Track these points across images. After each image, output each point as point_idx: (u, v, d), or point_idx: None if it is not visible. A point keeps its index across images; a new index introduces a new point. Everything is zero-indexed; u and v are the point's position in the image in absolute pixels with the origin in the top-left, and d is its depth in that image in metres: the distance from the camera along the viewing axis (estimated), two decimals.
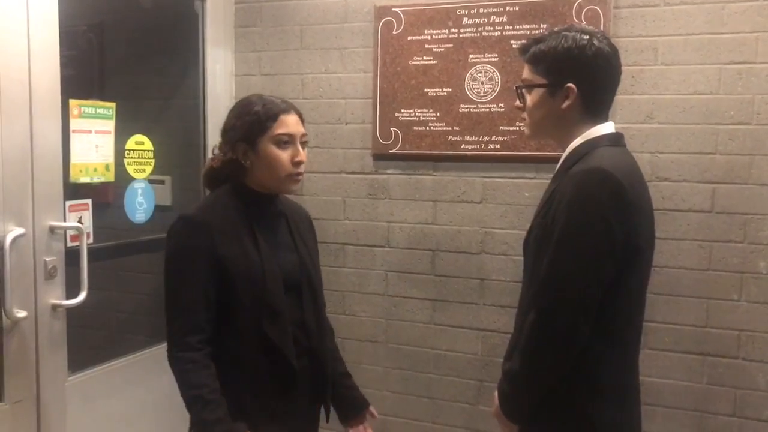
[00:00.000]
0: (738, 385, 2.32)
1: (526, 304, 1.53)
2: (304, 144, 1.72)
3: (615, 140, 1.55)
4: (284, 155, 1.67)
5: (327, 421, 1.87)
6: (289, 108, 1.71)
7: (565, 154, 1.57)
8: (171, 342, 1.62)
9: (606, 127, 1.55)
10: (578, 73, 1.51)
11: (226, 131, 1.73)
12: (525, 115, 1.62)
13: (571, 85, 1.51)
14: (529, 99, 1.59)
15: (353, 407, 1.94)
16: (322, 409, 1.86)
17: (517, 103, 1.64)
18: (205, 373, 1.59)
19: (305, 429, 1.82)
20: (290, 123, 1.69)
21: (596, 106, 1.54)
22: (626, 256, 1.44)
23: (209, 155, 1.89)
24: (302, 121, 1.74)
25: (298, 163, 1.69)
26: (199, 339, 1.60)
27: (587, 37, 1.51)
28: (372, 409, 1.97)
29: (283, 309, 1.67)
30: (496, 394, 1.62)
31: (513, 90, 2.45)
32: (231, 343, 1.65)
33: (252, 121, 1.67)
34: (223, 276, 1.62)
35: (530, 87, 1.58)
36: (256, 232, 1.69)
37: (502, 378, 1.58)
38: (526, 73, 1.59)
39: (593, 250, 1.41)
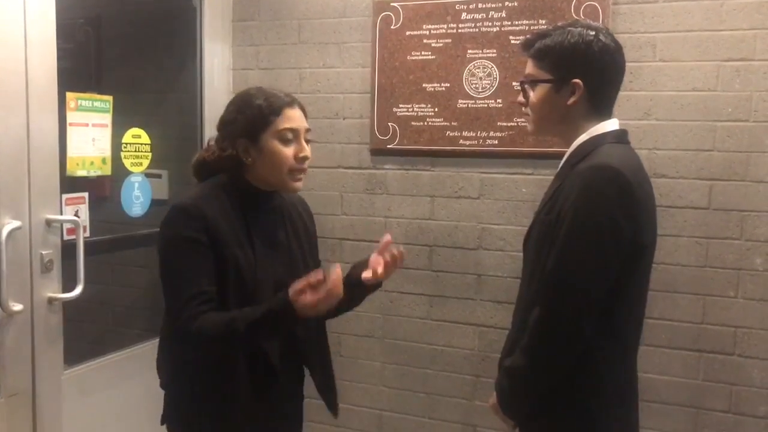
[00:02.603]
0: (733, 382, 2.33)
1: (529, 301, 1.52)
2: (308, 140, 1.64)
3: (620, 137, 1.54)
4: (288, 151, 1.59)
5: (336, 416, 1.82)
6: (293, 102, 1.63)
7: (569, 151, 1.55)
8: (175, 317, 1.51)
9: (611, 124, 1.54)
10: (585, 69, 1.50)
11: (226, 125, 1.64)
12: (528, 110, 1.60)
13: (577, 80, 1.50)
14: (533, 95, 1.56)
15: (355, 269, 1.72)
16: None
17: (520, 98, 1.61)
18: (217, 314, 1.49)
19: (285, 430, 1.77)
20: (295, 117, 1.61)
21: (601, 102, 1.53)
22: (632, 255, 1.43)
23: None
24: (305, 115, 1.66)
25: (302, 159, 1.61)
26: (204, 307, 1.50)
27: (593, 32, 1.50)
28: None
29: None
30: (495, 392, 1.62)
31: (511, 86, 2.47)
32: None
33: (254, 116, 1.58)
34: (215, 270, 1.54)
35: (535, 82, 1.55)
36: (251, 230, 1.61)
37: (502, 375, 1.57)
38: (530, 68, 1.57)
39: (600, 248, 1.40)
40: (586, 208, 1.41)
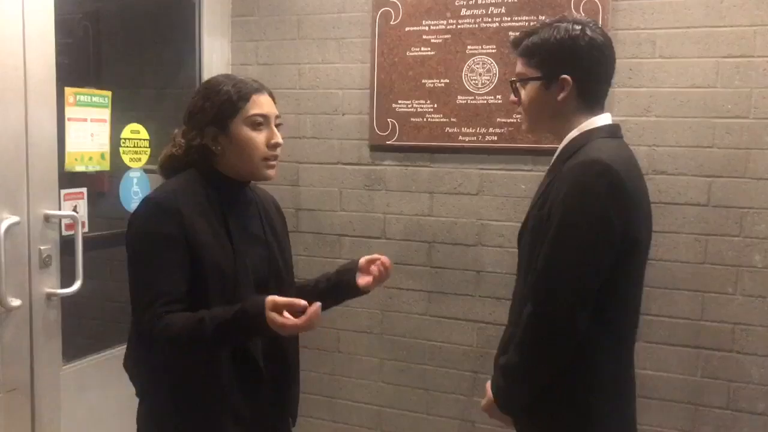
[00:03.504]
0: (732, 378, 2.33)
1: (523, 297, 1.52)
2: (278, 126, 1.60)
3: (612, 132, 1.54)
4: (259, 137, 1.55)
5: (293, 425, 1.76)
6: (261, 87, 1.58)
7: (561, 146, 1.56)
8: (139, 315, 1.46)
9: (603, 119, 1.54)
10: (572, 64, 1.50)
11: (193, 115, 1.57)
12: (521, 109, 1.61)
13: (565, 76, 1.50)
14: (524, 93, 1.57)
15: (347, 272, 1.76)
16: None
17: (512, 97, 1.62)
18: (184, 314, 1.43)
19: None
20: (264, 103, 1.57)
21: (592, 96, 1.53)
22: (624, 248, 1.43)
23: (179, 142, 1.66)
24: (274, 101, 1.61)
25: (274, 146, 1.57)
26: (171, 307, 1.44)
27: (579, 27, 1.50)
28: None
29: None
30: (488, 386, 1.62)
31: (509, 84, 2.47)
32: None
33: (222, 102, 1.53)
34: (194, 267, 1.47)
35: (525, 81, 1.56)
36: (229, 222, 1.56)
37: (497, 374, 1.57)
38: (520, 67, 1.58)
39: (591, 242, 1.40)
40: (576, 203, 1.41)
